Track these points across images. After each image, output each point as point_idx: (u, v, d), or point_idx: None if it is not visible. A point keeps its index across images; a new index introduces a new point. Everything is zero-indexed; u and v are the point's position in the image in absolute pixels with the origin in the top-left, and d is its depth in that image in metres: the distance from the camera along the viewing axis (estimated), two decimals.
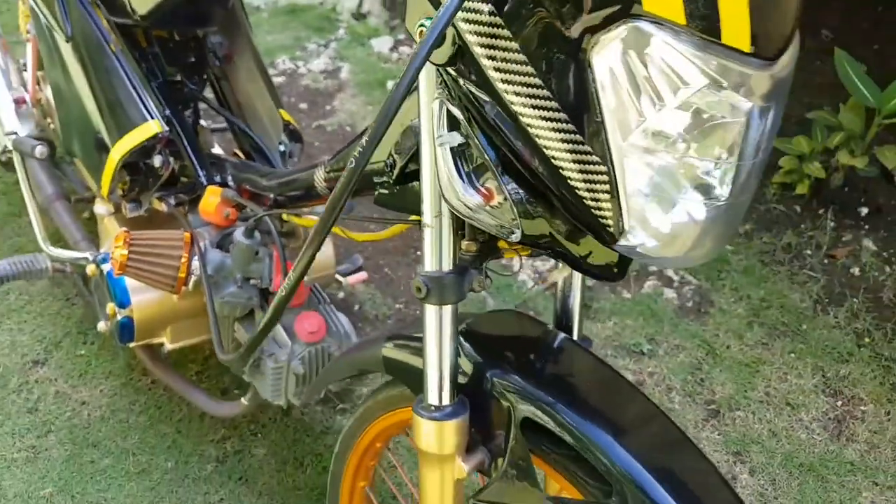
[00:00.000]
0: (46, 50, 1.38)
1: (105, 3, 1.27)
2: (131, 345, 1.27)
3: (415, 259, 1.96)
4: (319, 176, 0.95)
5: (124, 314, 1.21)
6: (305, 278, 0.77)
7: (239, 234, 1.12)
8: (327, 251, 1.39)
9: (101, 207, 1.37)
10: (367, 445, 0.98)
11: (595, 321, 1.79)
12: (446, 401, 0.72)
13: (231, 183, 1.23)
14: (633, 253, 0.58)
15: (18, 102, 1.65)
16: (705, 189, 0.54)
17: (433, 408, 0.72)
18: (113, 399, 1.53)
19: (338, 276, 1.46)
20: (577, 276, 0.81)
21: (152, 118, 1.17)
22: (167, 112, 1.22)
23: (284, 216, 1.12)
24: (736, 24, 0.48)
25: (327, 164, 0.94)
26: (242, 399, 1.29)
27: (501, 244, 0.72)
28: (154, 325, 1.25)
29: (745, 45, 0.49)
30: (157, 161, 1.21)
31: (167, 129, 1.17)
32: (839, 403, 1.61)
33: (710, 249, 0.59)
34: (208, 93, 1.47)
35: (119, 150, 1.18)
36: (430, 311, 0.69)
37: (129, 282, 1.20)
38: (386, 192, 0.79)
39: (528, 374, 0.72)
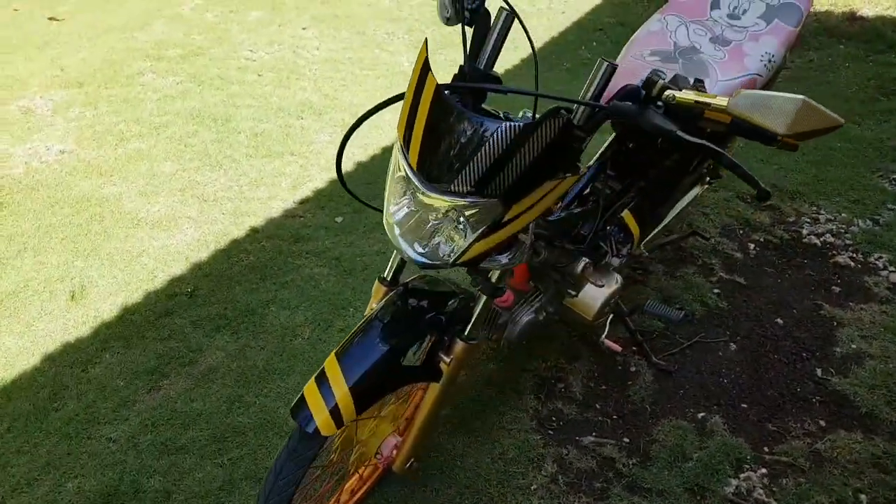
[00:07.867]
0: None
1: None
2: None
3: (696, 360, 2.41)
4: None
5: None
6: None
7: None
8: (594, 302, 1.91)
9: None
10: None
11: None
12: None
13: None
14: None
15: None
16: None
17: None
18: None
19: (605, 340, 2.07)
20: None
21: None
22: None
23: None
24: (413, 153, 1.16)
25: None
26: None
27: None
28: None
29: (415, 165, 1.16)
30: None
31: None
32: None
33: (407, 244, 1.24)
34: None
35: None
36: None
37: None
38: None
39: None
